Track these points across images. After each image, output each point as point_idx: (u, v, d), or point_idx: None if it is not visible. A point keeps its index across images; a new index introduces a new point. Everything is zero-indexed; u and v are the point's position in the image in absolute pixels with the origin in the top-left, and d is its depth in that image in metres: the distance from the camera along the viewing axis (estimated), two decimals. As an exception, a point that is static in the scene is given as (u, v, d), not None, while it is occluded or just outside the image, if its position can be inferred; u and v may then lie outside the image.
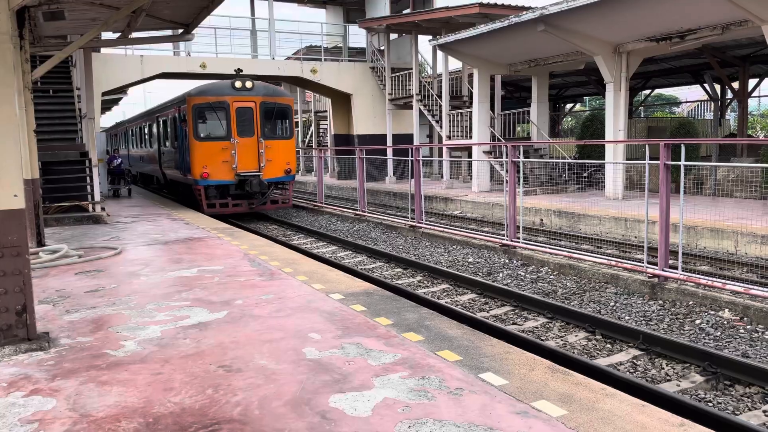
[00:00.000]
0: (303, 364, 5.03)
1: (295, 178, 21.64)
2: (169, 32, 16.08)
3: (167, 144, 21.49)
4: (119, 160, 25.16)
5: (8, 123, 5.45)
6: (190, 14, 13.40)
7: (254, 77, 20.46)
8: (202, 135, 17.84)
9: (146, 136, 26.00)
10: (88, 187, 16.28)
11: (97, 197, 16.35)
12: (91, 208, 16.03)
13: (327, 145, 37.16)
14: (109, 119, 56.27)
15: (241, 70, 19.52)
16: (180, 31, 14.98)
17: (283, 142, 18.86)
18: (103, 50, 24.20)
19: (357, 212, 18.94)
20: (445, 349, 5.30)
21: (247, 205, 18.34)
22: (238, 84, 18.08)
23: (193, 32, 14.78)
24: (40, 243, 11.31)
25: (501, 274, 11.15)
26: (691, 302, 8.71)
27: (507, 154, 12.81)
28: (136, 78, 25.91)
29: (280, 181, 18.91)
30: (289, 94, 19.40)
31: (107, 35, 16.90)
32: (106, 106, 42.54)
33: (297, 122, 38.06)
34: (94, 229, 14.18)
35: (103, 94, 25.65)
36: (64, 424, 4.06)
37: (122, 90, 32.22)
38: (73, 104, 18.22)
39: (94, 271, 9.16)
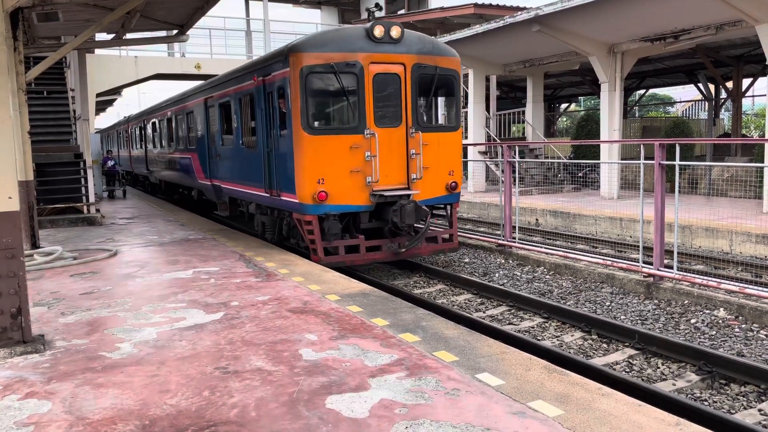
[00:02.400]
0: (299, 365, 5.02)
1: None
2: (163, 33, 16.06)
3: (226, 141, 13.48)
4: (113, 161, 25.09)
5: (2, 125, 5.43)
6: (185, 15, 13.38)
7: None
8: (316, 124, 9.83)
9: (177, 132, 18.35)
10: (83, 188, 16.22)
11: (92, 199, 16.29)
12: (85, 210, 15.98)
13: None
14: (103, 121, 56.08)
15: (380, 6, 12.30)
16: (174, 32, 14.97)
17: (446, 136, 10.74)
18: (98, 51, 24.12)
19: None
20: (442, 350, 5.30)
21: (391, 249, 10.39)
22: (377, 32, 9.94)
23: (187, 33, 14.77)
24: (35, 245, 11.27)
25: (497, 275, 11.16)
26: (686, 301, 8.73)
27: (502, 155, 12.82)
28: (131, 79, 25.87)
29: (439, 204, 10.97)
30: (454, 52, 10.87)
31: (101, 36, 16.84)
32: (101, 107, 42.45)
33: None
34: (88, 230, 14.13)
35: (98, 95, 25.62)
36: (60, 427, 4.04)
37: (116, 91, 32.20)
38: (67, 106, 18.15)
39: (89, 273, 9.13)
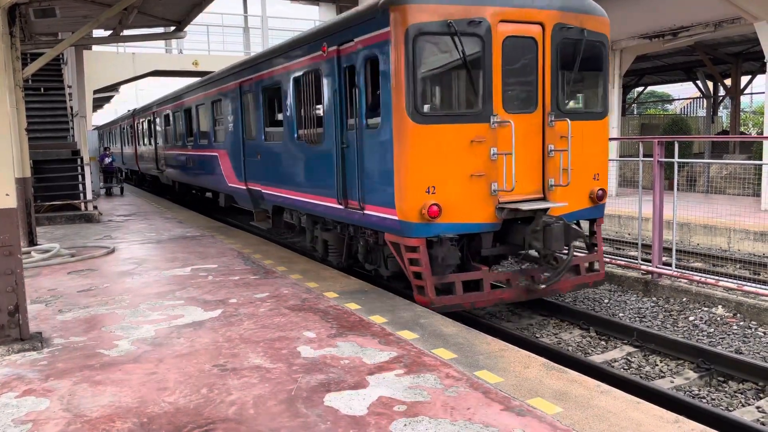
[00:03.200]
0: (298, 363, 5.02)
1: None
2: (161, 29, 16.00)
3: (272, 135, 10.91)
4: (111, 158, 25.04)
5: (-1, 121, 5.41)
6: (183, 11, 13.34)
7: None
8: (426, 109, 7.12)
9: (198, 125, 15.61)
10: (80, 185, 16.19)
11: (89, 196, 16.26)
12: (83, 207, 15.95)
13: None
14: (101, 117, 56.05)
15: None
16: (172, 28, 14.93)
17: (590, 126, 7.94)
18: (95, 48, 24.05)
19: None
20: (440, 347, 5.30)
21: (525, 286, 7.64)
22: None
23: (185, 29, 14.73)
24: (32, 242, 11.24)
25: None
26: (684, 299, 8.74)
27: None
28: (128, 75, 25.81)
29: (581, 219, 8.12)
30: (602, 10, 8.09)
31: (99, 33, 16.81)
32: (98, 104, 42.34)
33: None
34: (86, 227, 14.10)
35: (95, 91, 25.53)
36: (58, 425, 4.03)
37: (114, 88, 32.12)
38: (64, 102, 18.10)
39: (87, 270, 9.11)
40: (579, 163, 7.65)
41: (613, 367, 6.56)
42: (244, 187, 12.19)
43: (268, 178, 10.94)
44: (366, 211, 7.65)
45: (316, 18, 34.24)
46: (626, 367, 6.63)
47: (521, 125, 7.18)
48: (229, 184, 13.17)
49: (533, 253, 7.60)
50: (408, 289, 7.52)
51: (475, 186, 7.06)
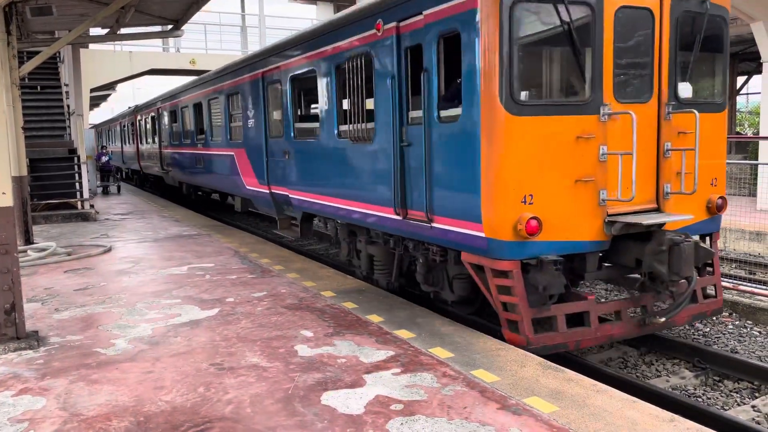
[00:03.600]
0: (295, 361, 5.02)
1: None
2: (158, 28, 15.98)
3: (304, 132, 9.66)
4: (108, 157, 24.99)
5: (-4, 120, 5.40)
6: (180, 10, 13.32)
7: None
8: (522, 97, 5.64)
9: (210, 122, 14.26)
10: (77, 184, 16.16)
11: (86, 194, 16.24)
12: (79, 206, 15.92)
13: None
14: (97, 116, 55.90)
15: None
16: (169, 27, 14.90)
17: (710, 118, 6.55)
18: (92, 46, 24.02)
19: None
20: (437, 346, 5.31)
21: (639, 319, 6.29)
22: None
23: (182, 28, 14.70)
24: (29, 241, 11.22)
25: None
26: (680, 298, 8.75)
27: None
28: (125, 74, 25.78)
29: (697, 233, 6.68)
30: None
31: (96, 31, 16.77)
32: (95, 102, 42.28)
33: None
34: (83, 226, 14.08)
35: (92, 90, 25.49)
36: (54, 424, 4.03)
37: (111, 86, 32.08)
38: (61, 101, 18.07)
39: (84, 269, 9.10)
40: (697, 166, 6.17)
41: (609, 366, 6.57)
42: (266, 191, 10.84)
43: (298, 181, 9.57)
44: (435, 224, 6.27)
45: (313, 17, 34.24)
46: (622, 367, 6.65)
47: (639, 118, 5.85)
48: (248, 187, 11.86)
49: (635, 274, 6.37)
50: (480, 317, 6.63)
51: (581, 194, 5.73)
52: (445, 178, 6.13)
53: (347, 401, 4.24)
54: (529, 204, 5.54)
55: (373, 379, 4.62)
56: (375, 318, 6.18)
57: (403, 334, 5.67)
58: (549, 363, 4.94)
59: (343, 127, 8.09)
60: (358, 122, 7.61)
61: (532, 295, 5.62)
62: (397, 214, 6.86)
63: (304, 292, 7.30)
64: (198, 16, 16.24)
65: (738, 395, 5.92)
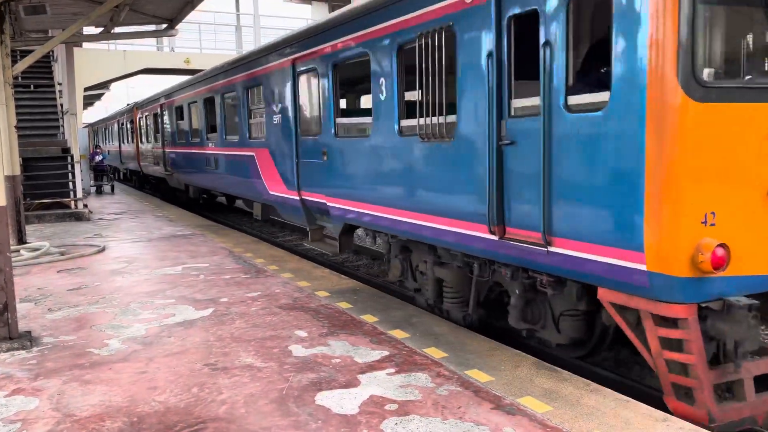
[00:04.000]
0: (289, 362, 5.02)
1: None
2: (152, 27, 15.93)
3: (345, 128, 8.36)
4: (101, 156, 24.89)
5: (-12, 119, 5.38)
6: (174, 9, 13.30)
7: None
8: (705, 76, 4.02)
9: (224, 119, 12.70)
10: (70, 183, 16.10)
11: (80, 194, 16.18)
12: (73, 205, 15.86)
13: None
14: (91, 115, 55.72)
15: None
16: (164, 26, 14.87)
17: None
18: (86, 45, 23.93)
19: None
20: (432, 347, 5.31)
21: None
22: None
23: (176, 27, 14.67)
24: (22, 240, 11.18)
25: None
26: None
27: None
28: (119, 73, 25.71)
29: None
30: None
31: (89, 30, 16.70)
32: (89, 101, 42.12)
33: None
34: (76, 226, 14.02)
35: (86, 89, 25.39)
36: (47, 424, 4.01)
37: (105, 85, 31.97)
38: (54, 100, 18.00)
39: (77, 268, 9.06)
40: None
41: (602, 366, 6.58)
42: (296, 197, 9.37)
43: (340, 187, 8.11)
44: (556, 249, 4.79)
45: (308, 17, 34.22)
46: (615, 367, 6.66)
47: None
48: (271, 192, 10.38)
49: None
50: (605, 366, 5.58)
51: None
52: (578, 188, 4.60)
53: (341, 401, 4.23)
54: (711, 225, 4.11)
55: (367, 379, 4.62)
56: (369, 318, 6.18)
57: (398, 334, 5.67)
58: (543, 363, 4.95)
59: (407, 122, 6.66)
60: (432, 115, 6.15)
61: (712, 352, 4.32)
62: (492, 233, 5.38)
63: (298, 292, 7.29)
64: (192, 16, 15.86)
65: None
